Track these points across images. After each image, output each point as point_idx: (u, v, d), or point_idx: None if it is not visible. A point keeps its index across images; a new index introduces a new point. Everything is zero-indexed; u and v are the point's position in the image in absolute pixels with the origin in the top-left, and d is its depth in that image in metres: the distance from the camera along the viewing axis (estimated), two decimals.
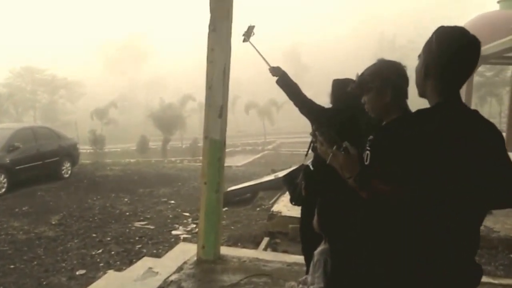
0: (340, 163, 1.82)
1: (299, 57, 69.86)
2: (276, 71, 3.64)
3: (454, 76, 1.76)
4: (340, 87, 3.35)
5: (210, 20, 3.32)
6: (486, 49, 13.58)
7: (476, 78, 17.12)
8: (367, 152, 2.05)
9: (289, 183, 3.70)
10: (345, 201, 2.15)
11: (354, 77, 3.52)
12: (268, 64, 3.66)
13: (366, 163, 2.02)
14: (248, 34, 3.65)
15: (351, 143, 1.96)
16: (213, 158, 3.59)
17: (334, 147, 1.88)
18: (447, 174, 1.58)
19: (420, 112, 1.81)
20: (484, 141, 1.63)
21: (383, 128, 2.09)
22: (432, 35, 1.80)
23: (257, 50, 3.65)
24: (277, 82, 3.66)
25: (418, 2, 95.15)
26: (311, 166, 3.46)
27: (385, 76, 2.06)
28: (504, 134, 12.75)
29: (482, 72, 34.62)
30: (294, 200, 3.67)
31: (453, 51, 1.73)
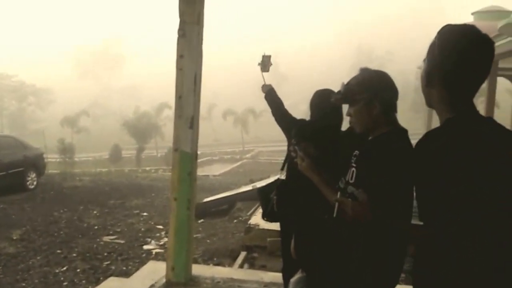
0: (350, 211, 1.62)
1: (278, 65, 70.44)
2: (266, 87, 3.74)
3: (461, 83, 1.50)
4: (321, 98, 3.23)
5: (179, 24, 3.16)
6: None
7: None
8: (353, 169, 1.92)
9: (263, 197, 3.58)
10: (323, 230, 2.02)
11: (335, 87, 3.43)
12: (264, 82, 3.74)
13: (351, 181, 1.89)
14: (264, 64, 3.71)
15: (333, 158, 1.84)
16: (183, 172, 3.41)
17: (338, 195, 1.71)
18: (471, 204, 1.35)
19: (428, 133, 1.58)
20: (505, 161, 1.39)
21: (370, 143, 1.93)
22: (436, 36, 1.55)
23: (262, 74, 3.75)
24: (265, 97, 3.74)
25: (395, 14, 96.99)
26: (284, 180, 3.36)
27: (374, 88, 1.89)
28: None
29: None
30: (265, 216, 3.57)
31: (459, 53, 1.47)
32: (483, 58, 1.48)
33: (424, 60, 1.59)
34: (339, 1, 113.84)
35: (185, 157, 3.38)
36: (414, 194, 1.56)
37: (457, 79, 1.49)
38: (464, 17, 17.39)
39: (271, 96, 3.72)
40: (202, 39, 3.29)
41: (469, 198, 1.35)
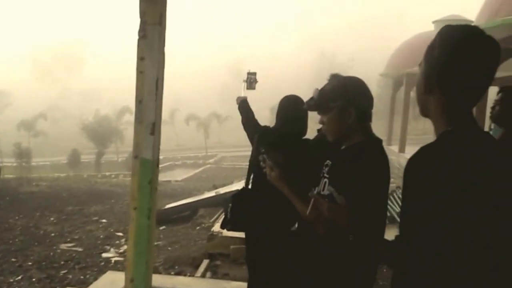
0: (326, 212, 1.54)
1: (241, 71, 71.07)
2: (240, 98, 3.81)
3: (464, 90, 1.35)
4: (289, 105, 3.17)
5: (140, 25, 3.01)
6: None
7: (412, 94, 17.77)
8: (325, 180, 1.83)
9: (225, 206, 3.52)
10: (295, 239, 1.95)
11: (298, 93, 3.38)
12: (242, 94, 3.81)
13: (323, 193, 1.81)
14: (250, 82, 3.76)
15: (301, 168, 1.75)
16: (144, 181, 3.26)
17: (315, 192, 1.63)
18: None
19: (422, 148, 1.39)
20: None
21: (345, 153, 1.85)
22: (435, 37, 1.41)
23: (243, 89, 3.81)
24: (238, 108, 3.80)
25: (356, 21, 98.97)
26: (242, 189, 3.34)
27: (349, 95, 1.80)
28: None
29: None
30: (223, 225, 3.51)
31: (462, 57, 1.31)
32: (489, 62, 1.33)
33: (420, 64, 1.46)
34: (303, 8, 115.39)
35: (146, 164, 3.23)
36: (401, 211, 1.39)
37: (459, 85, 1.34)
38: (425, 26, 17.77)
39: (244, 106, 3.75)
40: (164, 41, 3.16)
41: (460, 226, 1.21)
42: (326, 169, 1.86)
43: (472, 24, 1.33)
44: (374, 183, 1.66)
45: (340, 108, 1.80)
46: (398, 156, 15.19)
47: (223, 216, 3.55)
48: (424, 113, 1.48)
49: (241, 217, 3.27)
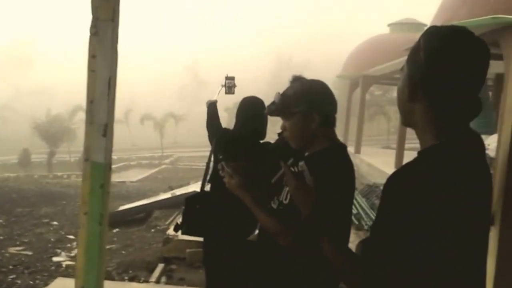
0: (292, 188, 1.45)
1: (198, 71, 71.25)
2: (211, 101, 3.76)
3: (453, 97, 1.20)
4: (248, 106, 3.08)
5: (92, 22, 2.85)
6: (377, 70, 14.52)
7: (367, 96, 18.10)
8: (287, 188, 1.75)
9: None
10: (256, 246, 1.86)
11: (254, 94, 3.30)
12: (214, 98, 3.76)
13: (285, 202, 1.72)
14: (228, 86, 3.69)
15: (261, 174, 1.67)
16: (95, 185, 3.09)
17: (290, 161, 1.53)
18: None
19: (407, 164, 1.23)
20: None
21: (307, 160, 1.73)
22: (420, 39, 1.26)
23: (219, 91, 3.77)
24: (207, 110, 3.72)
25: (310, 22, 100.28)
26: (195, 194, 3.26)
27: (313, 99, 1.71)
28: (394, 152, 13.59)
29: (372, 92, 36.84)
30: (176, 228, 3.42)
31: (451, 59, 1.18)
32: (481, 66, 1.20)
33: (403, 68, 1.31)
34: (257, 9, 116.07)
35: (97, 167, 3.06)
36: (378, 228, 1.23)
37: (448, 92, 1.20)
38: (380, 29, 18.12)
39: (212, 108, 3.69)
40: (117, 38, 3.00)
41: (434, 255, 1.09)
42: None
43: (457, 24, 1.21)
44: (340, 190, 1.59)
45: (304, 113, 1.71)
46: (354, 157, 15.42)
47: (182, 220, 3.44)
48: (407, 122, 1.33)
49: (196, 221, 3.17)
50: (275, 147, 2.61)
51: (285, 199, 1.75)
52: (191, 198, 3.25)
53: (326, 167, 1.59)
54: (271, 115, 1.84)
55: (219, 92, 3.78)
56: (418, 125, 1.27)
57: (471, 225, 1.14)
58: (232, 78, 3.73)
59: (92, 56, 3.02)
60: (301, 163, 1.56)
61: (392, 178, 1.20)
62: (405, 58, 1.32)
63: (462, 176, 1.14)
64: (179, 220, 3.41)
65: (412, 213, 1.10)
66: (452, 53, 1.18)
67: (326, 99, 1.76)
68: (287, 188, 1.74)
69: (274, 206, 1.82)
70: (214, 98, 3.74)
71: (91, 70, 3.02)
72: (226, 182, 1.81)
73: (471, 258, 1.15)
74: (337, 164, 1.64)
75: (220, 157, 1.88)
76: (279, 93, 1.76)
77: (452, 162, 1.15)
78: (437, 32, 1.23)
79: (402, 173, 1.20)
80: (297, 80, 1.79)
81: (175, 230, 3.41)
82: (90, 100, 3.08)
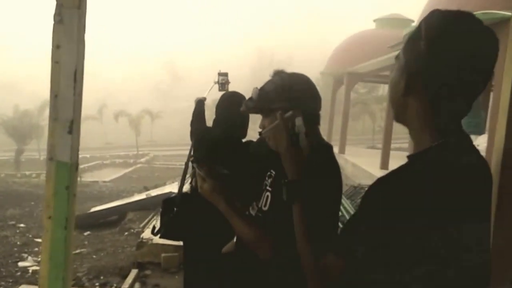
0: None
1: (173, 65, 71.25)
2: (199, 98, 3.73)
3: (454, 93, 1.09)
4: (227, 103, 2.98)
5: (56, 8, 2.70)
6: (363, 67, 14.57)
7: (352, 94, 18.18)
8: (267, 193, 1.64)
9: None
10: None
11: (236, 90, 3.20)
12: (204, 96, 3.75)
13: (265, 209, 1.62)
14: (222, 83, 3.65)
15: (240, 176, 1.57)
16: (60, 186, 2.94)
17: (255, 208, 1.47)
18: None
19: (399, 168, 1.12)
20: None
21: None
22: (420, 26, 1.11)
23: (210, 88, 3.76)
24: (195, 107, 3.69)
25: (292, 18, 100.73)
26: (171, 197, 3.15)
27: (294, 95, 1.59)
28: (379, 152, 13.63)
29: (356, 89, 36.99)
30: (153, 231, 3.32)
31: (456, 51, 1.05)
32: (488, 59, 1.07)
33: (397, 57, 1.17)
34: (238, 4, 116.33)
35: (62, 168, 2.92)
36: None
37: (450, 87, 1.08)
38: (366, 24, 18.21)
39: (199, 106, 3.68)
40: (84, 27, 2.85)
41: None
42: (269, 180, 1.67)
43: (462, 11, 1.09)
44: (328, 193, 1.51)
45: (284, 110, 1.53)
46: (338, 157, 15.35)
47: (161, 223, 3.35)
48: (400, 118, 1.21)
49: (174, 224, 3.07)
50: (257, 145, 2.51)
51: (265, 205, 1.64)
52: (168, 200, 3.16)
53: (311, 170, 1.45)
54: (248, 112, 1.72)
55: (210, 89, 3.73)
56: (412, 122, 1.17)
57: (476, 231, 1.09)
58: (226, 74, 3.67)
59: (56, 47, 2.89)
60: (299, 124, 1.42)
61: (383, 181, 1.11)
62: (392, 54, 1.21)
63: (466, 182, 1.07)
64: (157, 223, 3.31)
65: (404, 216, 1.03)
66: (459, 42, 1.06)
67: (309, 95, 1.64)
68: (267, 193, 1.64)
69: (253, 213, 1.71)
70: (204, 95, 3.70)
71: (55, 62, 2.88)
72: (198, 186, 1.71)
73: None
74: (322, 167, 1.54)
75: (191, 158, 1.77)
76: (257, 88, 1.64)
77: (454, 167, 1.07)
78: (441, 18, 1.11)
79: (395, 177, 1.10)
80: (278, 74, 1.67)
81: (153, 233, 3.30)
82: (55, 94, 2.94)
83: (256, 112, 1.67)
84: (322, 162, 1.54)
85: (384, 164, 12.88)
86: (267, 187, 1.67)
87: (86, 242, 8.37)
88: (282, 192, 1.40)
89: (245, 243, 1.62)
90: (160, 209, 3.18)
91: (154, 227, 3.27)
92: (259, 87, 1.65)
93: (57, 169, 3.02)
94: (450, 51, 1.06)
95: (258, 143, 2.43)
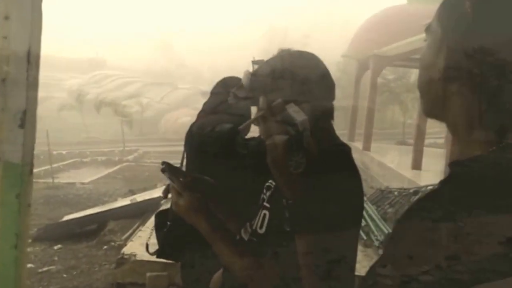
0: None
1: (173, 48, 72.46)
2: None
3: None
4: (226, 90, 2.84)
5: None
6: (391, 49, 14.41)
7: (379, 80, 17.99)
8: (264, 211, 1.47)
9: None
10: None
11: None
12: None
13: (261, 231, 1.44)
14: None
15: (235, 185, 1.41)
16: (9, 195, 2.77)
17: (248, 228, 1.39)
18: None
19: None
20: None
21: None
22: None
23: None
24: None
25: None
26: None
27: (298, 80, 1.40)
28: (411, 148, 13.45)
29: (384, 75, 36.53)
30: (148, 250, 3.19)
31: None
32: None
33: (428, 29, 0.99)
34: None
35: (12, 171, 2.74)
36: None
37: (504, 67, 0.85)
38: (395, 0, 18.09)
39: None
40: None
41: None
42: (268, 193, 1.50)
43: None
44: (345, 219, 1.32)
45: (284, 102, 1.38)
46: (362, 155, 15.30)
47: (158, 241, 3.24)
48: (434, 112, 1.01)
49: (168, 242, 2.94)
50: (257, 146, 2.33)
51: (261, 227, 1.47)
52: (161, 213, 3.02)
53: (321, 185, 1.26)
54: (238, 105, 1.51)
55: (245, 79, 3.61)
56: (455, 118, 0.96)
57: None
58: (261, 62, 3.52)
59: (4, 18, 2.72)
60: (301, 119, 1.20)
61: (425, 207, 0.91)
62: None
63: None
64: (150, 239, 3.19)
65: None
66: None
67: (318, 82, 1.44)
68: (264, 211, 1.46)
69: (245, 237, 1.53)
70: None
71: (3, 37, 2.71)
72: (171, 202, 1.54)
73: None
74: (338, 179, 1.34)
75: (162, 166, 1.58)
76: (249, 72, 1.45)
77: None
78: None
79: (442, 200, 0.89)
80: (283, 53, 1.47)
81: (148, 252, 3.18)
82: (2, 78, 2.77)
83: (249, 104, 1.47)
84: (337, 174, 1.34)
85: (417, 163, 12.74)
86: (265, 203, 1.49)
87: (56, 258, 8.30)
88: (283, 212, 1.22)
89: (235, 277, 1.45)
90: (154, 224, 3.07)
91: (147, 245, 3.15)
92: (251, 71, 1.44)
93: (4, 171, 2.85)
94: (505, 18, 0.85)
95: (258, 143, 2.25)
